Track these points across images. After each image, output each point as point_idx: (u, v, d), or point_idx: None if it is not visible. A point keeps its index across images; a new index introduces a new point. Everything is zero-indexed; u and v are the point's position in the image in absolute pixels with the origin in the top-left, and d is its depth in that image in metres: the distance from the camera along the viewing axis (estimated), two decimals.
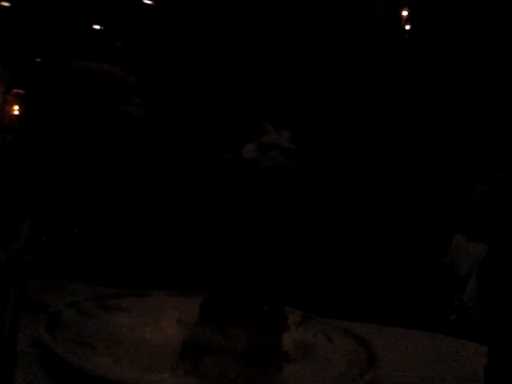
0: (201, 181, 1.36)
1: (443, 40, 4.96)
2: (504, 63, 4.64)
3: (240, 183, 0.98)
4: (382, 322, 1.15)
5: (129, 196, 1.49)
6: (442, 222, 4.23)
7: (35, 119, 1.41)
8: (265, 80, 1.57)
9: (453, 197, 4.55)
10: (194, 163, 1.39)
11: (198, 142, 1.45)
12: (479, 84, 4.67)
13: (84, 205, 1.58)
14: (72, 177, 1.49)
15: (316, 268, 1.55)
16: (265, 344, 0.79)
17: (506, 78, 4.65)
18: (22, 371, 0.69)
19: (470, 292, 3.65)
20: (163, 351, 0.80)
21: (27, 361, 0.74)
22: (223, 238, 0.89)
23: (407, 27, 4.81)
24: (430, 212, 4.40)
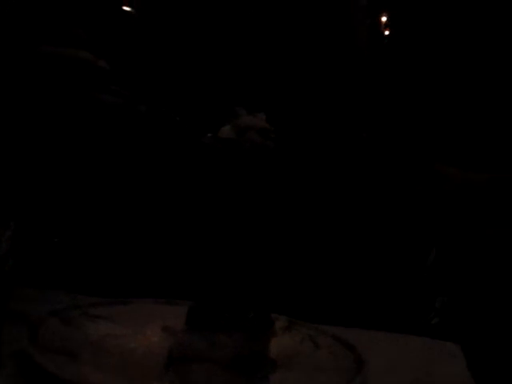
0: (180, 170, 1.35)
1: (423, 46, 4.99)
2: (483, 71, 4.68)
3: (220, 164, 0.97)
4: (365, 327, 1.14)
5: (109, 199, 1.48)
6: (426, 226, 4.25)
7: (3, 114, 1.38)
8: (238, 65, 1.56)
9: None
10: (171, 151, 1.37)
11: (173, 127, 1.43)
12: (458, 90, 4.70)
13: (64, 212, 1.56)
14: (49, 180, 1.47)
15: (298, 273, 1.55)
16: (252, 351, 0.78)
17: (484, 84, 4.69)
18: (3, 381, 0.68)
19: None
20: (149, 360, 0.78)
21: (9, 370, 0.72)
22: (208, 241, 0.88)
23: (386, 32, 4.85)
24: (413, 215, 4.41)
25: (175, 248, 1.27)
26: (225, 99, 1.57)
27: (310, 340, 0.91)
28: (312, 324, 0.97)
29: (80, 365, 0.74)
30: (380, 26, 4.80)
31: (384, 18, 4.73)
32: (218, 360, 0.76)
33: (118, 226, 1.48)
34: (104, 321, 0.87)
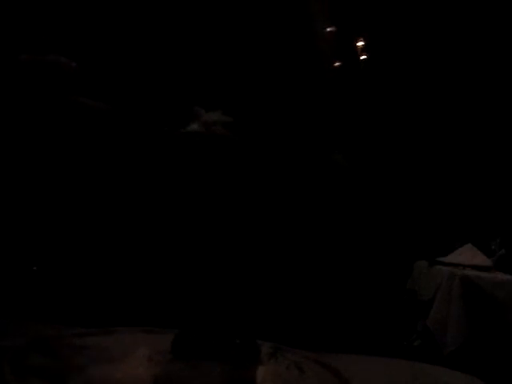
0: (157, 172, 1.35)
1: (399, 69, 5.08)
2: (459, 90, 4.78)
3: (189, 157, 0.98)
4: (349, 351, 1.14)
5: (88, 226, 1.46)
6: (404, 249, 4.28)
7: None
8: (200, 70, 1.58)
9: (413, 223, 4.61)
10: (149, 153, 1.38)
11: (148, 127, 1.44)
12: (436, 112, 4.79)
13: (43, 241, 1.54)
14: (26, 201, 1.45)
15: (282, 300, 1.55)
16: (239, 379, 0.78)
17: (461, 107, 4.78)
18: None
19: (433, 316, 3.68)
20: None
21: None
22: (191, 267, 0.88)
23: (363, 57, 4.92)
24: (392, 238, 4.45)
25: (157, 276, 1.27)
26: (185, 100, 1.58)
27: (295, 366, 0.90)
28: (297, 349, 0.97)
29: None
30: (356, 51, 4.88)
31: (360, 43, 4.82)
32: None
33: (99, 254, 1.46)
34: (88, 351, 0.85)
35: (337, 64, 4.47)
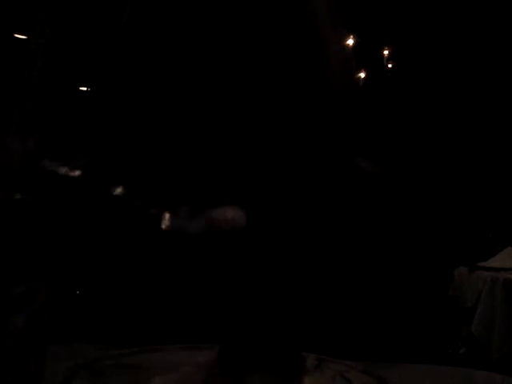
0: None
1: (426, 77, 5.06)
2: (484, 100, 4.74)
3: None
4: (393, 360, 1.13)
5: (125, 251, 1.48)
6: (444, 256, 4.23)
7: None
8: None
9: (453, 229, 4.57)
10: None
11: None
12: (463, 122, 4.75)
13: (84, 264, 1.56)
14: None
15: (323, 310, 1.54)
16: None
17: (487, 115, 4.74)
18: None
19: (478, 322, 3.62)
20: None
21: None
22: (232, 282, 0.88)
23: (389, 65, 4.91)
24: (431, 246, 4.40)
25: (198, 291, 1.27)
26: None
27: (341, 376, 0.90)
28: (342, 360, 0.96)
29: None
30: (383, 60, 4.86)
31: (386, 52, 4.80)
32: None
33: (137, 274, 1.48)
34: (136, 370, 0.86)
35: (363, 74, 4.46)
